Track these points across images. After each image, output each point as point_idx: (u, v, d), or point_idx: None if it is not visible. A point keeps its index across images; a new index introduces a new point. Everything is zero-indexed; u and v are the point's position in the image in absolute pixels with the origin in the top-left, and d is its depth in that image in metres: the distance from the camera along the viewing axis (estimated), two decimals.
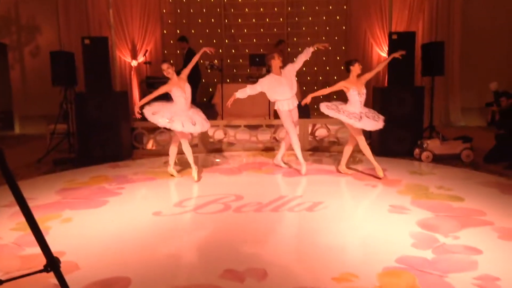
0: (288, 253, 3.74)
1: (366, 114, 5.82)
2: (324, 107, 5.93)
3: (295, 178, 6.13)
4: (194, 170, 6.01)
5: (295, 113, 6.40)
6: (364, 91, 5.89)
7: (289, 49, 12.16)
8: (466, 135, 7.11)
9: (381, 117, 5.93)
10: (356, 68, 5.89)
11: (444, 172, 6.31)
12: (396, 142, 7.39)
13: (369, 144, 7.84)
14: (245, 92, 6.28)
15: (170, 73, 5.91)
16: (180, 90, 5.87)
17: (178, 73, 6.09)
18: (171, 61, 12.33)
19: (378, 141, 7.51)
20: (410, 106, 7.38)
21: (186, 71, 6.03)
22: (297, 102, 6.39)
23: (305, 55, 6.32)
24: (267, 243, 3.96)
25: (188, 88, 5.94)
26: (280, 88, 6.21)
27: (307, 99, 5.96)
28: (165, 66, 5.92)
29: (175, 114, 5.80)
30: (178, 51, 12.02)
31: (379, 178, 5.88)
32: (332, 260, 3.50)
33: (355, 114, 5.77)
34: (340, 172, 6.26)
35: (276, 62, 6.23)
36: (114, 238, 4.10)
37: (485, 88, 10.19)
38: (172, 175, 6.25)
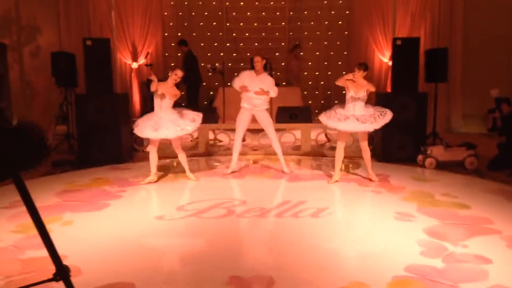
0: (294, 260, 3.65)
1: (358, 117, 5.69)
2: (323, 117, 5.94)
3: (298, 183, 6.07)
4: (151, 175, 5.99)
5: (263, 118, 6.38)
6: (361, 95, 5.72)
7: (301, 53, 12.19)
8: (469, 142, 7.07)
9: (379, 120, 5.70)
10: (356, 75, 5.74)
11: (448, 179, 6.25)
12: (399, 148, 7.34)
13: (372, 150, 7.81)
14: (235, 85, 6.34)
15: (177, 80, 5.91)
16: (158, 97, 5.83)
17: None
18: (172, 64, 12.36)
19: (380, 147, 7.46)
20: (413, 112, 7.33)
21: (177, 94, 5.92)
22: (265, 107, 6.35)
23: (273, 93, 6.30)
24: (273, 250, 3.88)
25: (166, 101, 5.82)
26: (249, 83, 6.23)
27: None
28: (180, 73, 5.92)
29: (144, 120, 5.87)
30: (179, 54, 11.99)
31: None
32: (340, 268, 3.44)
33: (341, 116, 5.73)
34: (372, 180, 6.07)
35: (258, 64, 6.28)
36: (116, 242, 4.02)
37: (486, 95, 10.14)
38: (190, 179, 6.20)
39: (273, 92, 6.28)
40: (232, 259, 3.66)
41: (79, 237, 4.10)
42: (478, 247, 3.79)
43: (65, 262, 3.43)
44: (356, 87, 5.74)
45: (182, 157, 6.11)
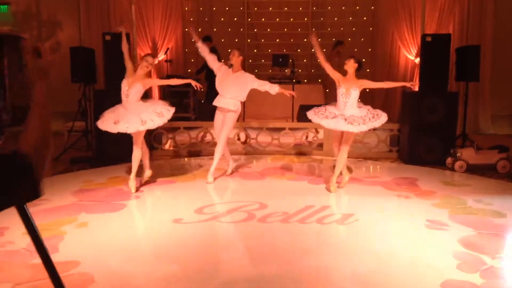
0: (321, 272, 3.41)
1: (346, 117, 5.20)
2: (311, 112, 5.53)
3: (320, 186, 5.79)
4: (131, 180, 5.42)
5: (226, 119, 5.88)
6: (354, 93, 5.25)
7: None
8: (502, 145, 6.72)
9: (368, 123, 5.19)
10: (347, 65, 5.33)
11: (480, 183, 5.92)
12: (427, 150, 7.01)
13: (398, 151, 7.53)
14: (204, 50, 6.08)
15: (148, 68, 5.39)
16: (126, 84, 5.32)
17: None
18: (192, 60, 12.19)
19: (407, 149, 7.14)
20: (442, 112, 6.99)
21: (157, 82, 5.38)
22: (230, 109, 5.80)
23: (269, 88, 5.85)
24: (297, 260, 3.64)
25: (135, 88, 5.28)
26: (221, 81, 5.90)
27: (313, 36, 5.73)
28: (151, 60, 5.43)
29: (109, 112, 5.38)
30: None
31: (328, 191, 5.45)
32: (372, 282, 3.18)
33: (330, 114, 5.31)
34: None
35: (234, 59, 5.89)
36: (132, 247, 3.84)
37: None
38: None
39: (259, 84, 5.84)
40: (253, 269, 3.44)
41: (94, 241, 3.93)
42: None
43: (78, 269, 3.29)
44: (347, 82, 5.30)
45: (136, 155, 5.44)
